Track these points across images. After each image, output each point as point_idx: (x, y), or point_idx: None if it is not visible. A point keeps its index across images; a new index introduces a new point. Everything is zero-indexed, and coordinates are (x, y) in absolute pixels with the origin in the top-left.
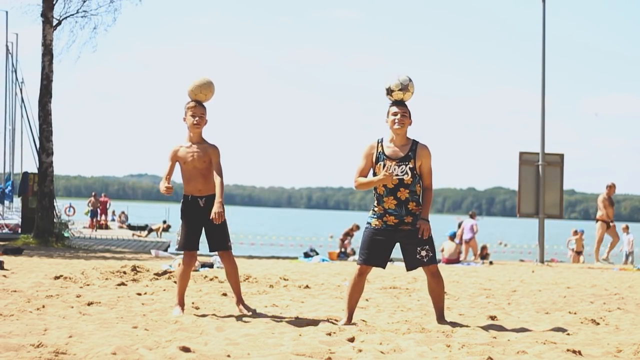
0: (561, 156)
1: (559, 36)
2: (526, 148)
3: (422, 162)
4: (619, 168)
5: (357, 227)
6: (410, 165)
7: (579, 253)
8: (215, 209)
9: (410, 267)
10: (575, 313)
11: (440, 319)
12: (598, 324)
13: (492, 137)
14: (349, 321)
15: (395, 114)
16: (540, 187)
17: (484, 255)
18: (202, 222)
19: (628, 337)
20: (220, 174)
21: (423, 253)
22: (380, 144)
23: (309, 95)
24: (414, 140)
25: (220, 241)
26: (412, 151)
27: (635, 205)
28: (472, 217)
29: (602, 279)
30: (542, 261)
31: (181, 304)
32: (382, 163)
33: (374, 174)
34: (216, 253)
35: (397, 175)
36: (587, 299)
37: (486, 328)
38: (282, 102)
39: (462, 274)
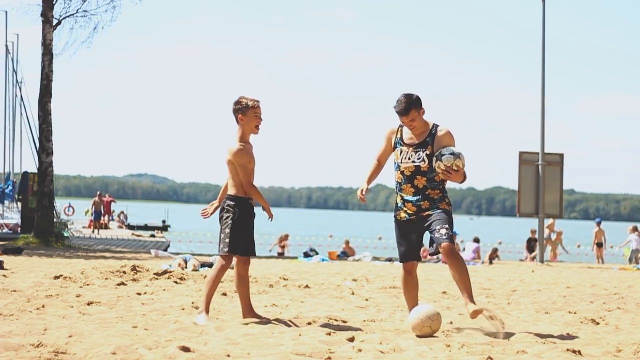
0: (561, 156)
1: (559, 36)
2: (526, 148)
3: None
4: (619, 168)
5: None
6: (428, 152)
7: (599, 245)
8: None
9: (436, 248)
10: (575, 313)
11: (468, 303)
12: (598, 324)
13: (492, 137)
14: None
15: (406, 125)
16: (540, 187)
17: (493, 258)
18: (250, 226)
19: (628, 337)
20: None
21: (443, 232)
22: (400, 130)
23: (307, 95)
24: (434, 124)
25: (254, 247)
26: (431, 136)
27: (635, 205)
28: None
29: (602, 279)
30: (542, 261)
31: (208, 310)
32: (399, 149)
33: (395, 161)
34: (218, 254)
35: (413, 162)
36: (587, 299)
37: (486, 328)
38: (280, 102)
39: None
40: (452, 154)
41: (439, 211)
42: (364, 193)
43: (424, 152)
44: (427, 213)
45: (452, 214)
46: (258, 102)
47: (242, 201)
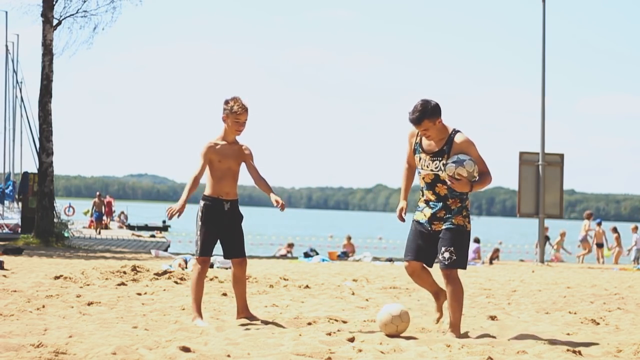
0: (561, 156)
1: (558, 36)
2: (526, 148)
3: None
4: (619, 168)
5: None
6: (444, 161)
7: (599, 246)
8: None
9: (440, 267)
10: (575, 313)
11: (451, 330)
12: (598, 324)
13: (492, 137)
14: (437, 300)
15: (421, 134)
16: (540, 187)
17: (493, 258)
18: (223, 227)
19: (628, 337)
20: (262, 176)
21: (446, 255)
22: (419, 135)
23: (307, 95)
24: (453, 130)
25: (241, 248)
26: (448, 144)
27: (635, 205)
28: (587, 218)
29: (602, 279)
30: (542, 261)
31: (200, 313)
32: (418, 156)
33: (416, 166)
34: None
35: (432, 170)
36: (587, 299)
37: (486, 328)
38: (280, 102)
39: (462, 274)
40: (455, 161)
41: (450, 227)
42: (404, 213)
43: (440, 160)
44: (439, 225)
45: (466, 228)
46: (244, 109)
47: (214, 201)
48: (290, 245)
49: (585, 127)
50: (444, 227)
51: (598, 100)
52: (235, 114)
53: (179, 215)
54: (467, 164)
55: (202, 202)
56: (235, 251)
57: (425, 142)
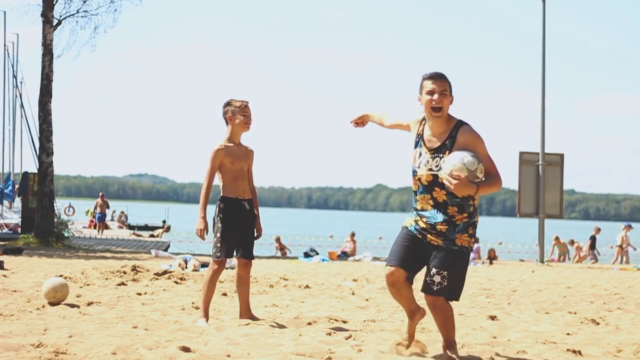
0: (561, 156)
1: (558, 36)
2: (526, 148)
3: None
4: (619, 168)
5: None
6: (445, 158)
7: (621, 247)
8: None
9: (422, 288)
10: (575, 313)
11: (446, 348)
12: (598, 324)
13: (492, 137)
14: (410, 321)
15: (431, 92)
16: (540, 187)
17: (491, 258)
18: (242, 228)
19: (628, 337)
20: (254, 191)
21: (436, 279)
22: (424, 123)
23: (307, 95)
24: (458, 122)
25: (251, 249)
26: (450, 139)
27: (635, 205)
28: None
29: (602, 279)
30: (542, 261)
31: (207, 314)
32: (418, 150)
33: (412, 164)
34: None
35: (430, 169)
36: (587, 299)
37: (486, 328)
38: (280, 102)
39: None
40: (454, 157)
41: (451, 248)
42: (355, 119)
43: (441, 158)
44: (439, 242)
45: (469, 249)
46: (247, 102)
47: (232, 202)
48: (278, 239)
49: (584, 127)
50: (442, 244)
51: (597, 100)
52: (242, 109)
53: (207, 232)
54: (468, 161)
55: (221, 204)
56: (245, 252)
57: (427, 134)
